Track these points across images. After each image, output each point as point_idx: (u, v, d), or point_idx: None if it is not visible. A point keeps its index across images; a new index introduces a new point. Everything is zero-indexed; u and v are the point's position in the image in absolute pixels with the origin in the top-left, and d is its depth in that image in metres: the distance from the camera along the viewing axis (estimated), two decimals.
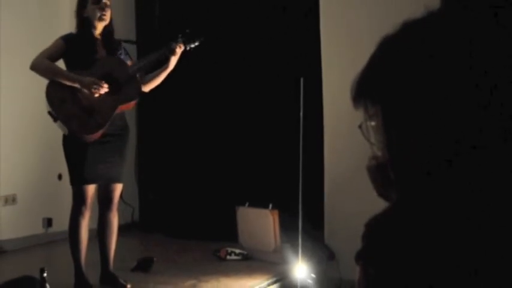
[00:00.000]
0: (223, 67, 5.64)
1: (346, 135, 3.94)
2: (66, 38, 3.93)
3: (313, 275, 4.19)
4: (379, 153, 0.83)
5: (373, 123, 0.83)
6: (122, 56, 4.03)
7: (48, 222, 5.62)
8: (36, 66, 3.85)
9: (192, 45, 4.09)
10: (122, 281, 4.00)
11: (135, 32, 6.30)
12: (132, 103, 4.01)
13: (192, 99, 5.84)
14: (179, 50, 3.98)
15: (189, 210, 5.73)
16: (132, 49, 4.51)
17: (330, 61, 4.65)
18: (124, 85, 3.88)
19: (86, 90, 3.79)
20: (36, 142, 5.52)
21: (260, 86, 5.42)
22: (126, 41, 4.27)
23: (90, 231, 3.99)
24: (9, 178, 5.37)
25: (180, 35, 4.05)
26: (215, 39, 5.05)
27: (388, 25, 0.83)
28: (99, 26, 3.95)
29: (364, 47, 1.15)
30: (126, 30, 5.40)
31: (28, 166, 5.52)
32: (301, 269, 4.19)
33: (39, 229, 5.58)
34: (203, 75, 5.70)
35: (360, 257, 0.81)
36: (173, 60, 4.01)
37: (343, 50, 4.52)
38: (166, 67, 4.02)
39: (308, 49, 5.00)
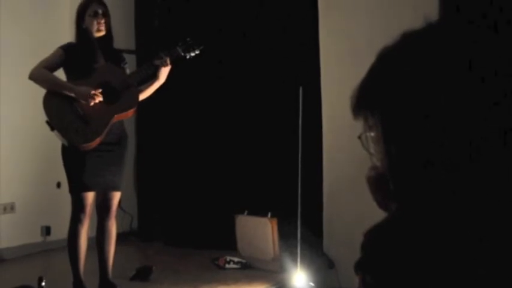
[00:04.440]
0: (223, 76, 5.64)
1: (345, 144, 3.94)
2: (66, 48, 3.95)
3: (311, 284, 4.19)
4: (379, 164, 0.83)
5: (372, 134, 0.83)
6: (122, 65, 4.04)
7: (47, 230, 5.61)
8: (34, 76, 3.86)
9: (192, 54, 4.08)
10: None
11: (134, 42, 6.31)
12: (130, 112, 3.99)
13: (191, 107, 5.84)
14: (168, 63, 3.96)
15: (188, 219, 5.72)
16: (131, 59, 4.51)
17: (329, 70, 4.66)
18: (122, 94, 3.88)
19: (81, 100, 3.80)
20: (35, 150, 5.51)
21: (259, 94, 5.42)
22: (125, 51, 4.28)
23: (89, 239, 3.98)
24: (7, 186, 5.36)
25: (179, 43, 4.06)
26: (214, 48, 5.06)
27: (388, 35, 0.83)
28: (97, 36, 3.96)
29: (364, 56, 1.16)
30: (125, 40, 5.41)
31: (27, 174, 5.51)
32: (300, 278, 4.18)
33: (37, 237, 5.57)
34: (202, 84, 5.71)
35: (359, 267, 0.81)
36: (163, 73, 3.99)
37: (343, 60, 4.53)
38: (156, 79, 4.01)
39: (307, 58, 5.01)
